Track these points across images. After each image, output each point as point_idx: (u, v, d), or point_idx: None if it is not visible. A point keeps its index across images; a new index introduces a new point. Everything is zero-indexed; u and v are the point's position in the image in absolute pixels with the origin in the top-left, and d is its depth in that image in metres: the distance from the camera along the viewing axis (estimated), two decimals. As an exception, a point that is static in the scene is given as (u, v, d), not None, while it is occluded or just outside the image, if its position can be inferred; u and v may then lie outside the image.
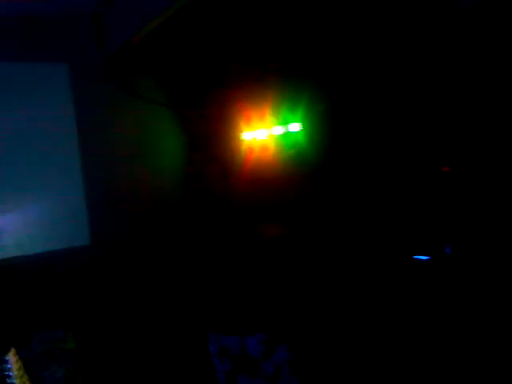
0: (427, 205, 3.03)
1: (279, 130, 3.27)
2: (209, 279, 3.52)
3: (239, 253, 3.38)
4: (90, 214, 3.91)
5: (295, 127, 3.33)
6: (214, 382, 2.43)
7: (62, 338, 3.03)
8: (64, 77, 3.84)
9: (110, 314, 3.75)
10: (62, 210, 3.82)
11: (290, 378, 2.20)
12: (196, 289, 3.57)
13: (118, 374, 3.61)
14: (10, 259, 3.58)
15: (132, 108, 4.08)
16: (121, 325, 3.76)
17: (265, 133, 3.19)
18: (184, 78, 4.16)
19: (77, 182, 3.90)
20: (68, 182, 3.87)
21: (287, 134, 3.24)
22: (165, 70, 4.15)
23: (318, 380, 2.29)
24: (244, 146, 3.21)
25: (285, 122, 3.18)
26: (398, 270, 2.30)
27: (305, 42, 3.65)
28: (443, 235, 2.85)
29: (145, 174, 4.08)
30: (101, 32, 3.86)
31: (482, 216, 3.15)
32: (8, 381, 2.29)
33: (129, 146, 4.07)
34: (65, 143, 3.86)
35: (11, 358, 2.30)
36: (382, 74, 3.12)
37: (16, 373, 2.30)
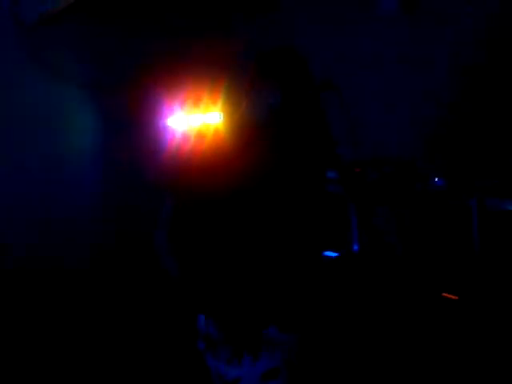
0: (337, 204, 3.14)
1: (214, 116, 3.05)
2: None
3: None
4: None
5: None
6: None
7: None
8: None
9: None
10: None
11: (251, 365, 2.08)
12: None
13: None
14: None
15: (43, 82, 3.87)
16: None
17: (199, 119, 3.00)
18: (103, 57, 4.00)
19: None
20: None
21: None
22: (83, 46, 3.97)
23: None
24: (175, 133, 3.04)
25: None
26: (311, 267, 2.33)
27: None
28: (352, 233, 2.99)
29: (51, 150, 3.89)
30: (15, -1, 3.61)
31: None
32: None
33: (35, 121, 3.86)
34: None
35: None
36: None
37: None
